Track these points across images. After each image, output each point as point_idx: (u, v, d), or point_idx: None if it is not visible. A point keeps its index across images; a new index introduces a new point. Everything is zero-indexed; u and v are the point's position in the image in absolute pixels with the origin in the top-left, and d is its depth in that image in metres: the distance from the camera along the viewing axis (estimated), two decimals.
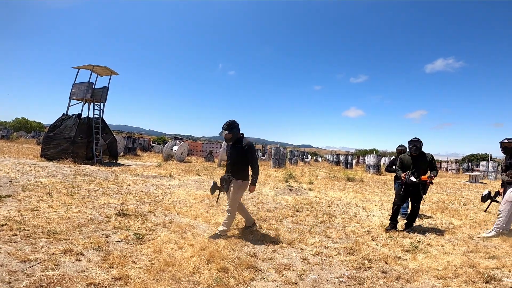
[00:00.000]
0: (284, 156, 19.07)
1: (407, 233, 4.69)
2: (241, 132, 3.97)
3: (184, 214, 4.96)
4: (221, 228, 3.87)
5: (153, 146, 32.76)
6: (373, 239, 4.33)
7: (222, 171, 13.39)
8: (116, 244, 3.28)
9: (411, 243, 4.16)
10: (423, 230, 4.94)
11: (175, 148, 18.64)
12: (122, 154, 19.06)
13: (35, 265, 2.51)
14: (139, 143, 27.48)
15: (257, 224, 4.50)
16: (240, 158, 3.85)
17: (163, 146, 21.76)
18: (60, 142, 12.53)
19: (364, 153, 48.19)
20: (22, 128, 44.27)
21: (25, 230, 3.44)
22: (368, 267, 3.20)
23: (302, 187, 9.69)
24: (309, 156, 40.12)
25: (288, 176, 11.71)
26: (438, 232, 4.90)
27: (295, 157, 27.38)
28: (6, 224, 3.58)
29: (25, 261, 2.57)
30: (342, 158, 27.15)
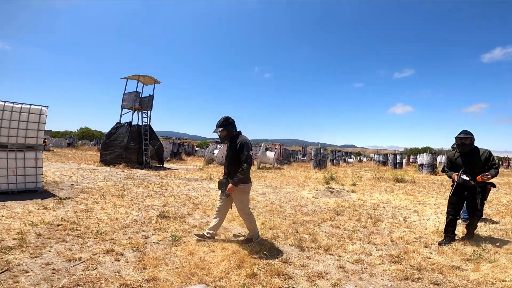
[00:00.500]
0: (325, 157, 18.39)
1: (468, 240, 4.08)
2: (238, 129, 3.65)
3: None
4: (250, 233, 3.74)
5: (196, 150, 34.35)
6: (426, 246, 3.88)
7: (260, 174, 13.38)
8: (153, 246, 3.40)
9: (474, 251, 3.63)
10: (489, 237, 4.29)
11: (216, 151, 19.22)
12: (168, 158, 20.25)
13: (78, 264, 2.71)
14: (183, 148, 29.04)
15: (216, 239, 3.79)
16: (236, 157, 3.49)
17: (206, 150, 22.63)
18: (115, 148, 13.76)
19: (415, 151, 44.35)
20: (86, 136, 50.06)
21: (77, 230, 3.77)
22: (417, 278, 2.84)
23: (344, 189, 9.19)
24: (353, 156, 38.15)
25: (329, 177, 11.22)
26: (509, 239, 4.21)
27: (337, 158, 26.29)
28: (61, 224, 3.96)
29: (70, 260, 2.79)
30: (390, 158, 25.28)
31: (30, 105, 6.04)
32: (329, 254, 3.48)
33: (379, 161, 27.91)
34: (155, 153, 15.56)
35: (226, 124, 3.54)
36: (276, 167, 18.62)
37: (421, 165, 18.26)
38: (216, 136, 3.80)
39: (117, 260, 2.91)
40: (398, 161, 24.10)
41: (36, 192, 6.09)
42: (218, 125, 3.55)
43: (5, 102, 5.73)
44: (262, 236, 4.00)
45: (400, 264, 3.21)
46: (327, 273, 2.91)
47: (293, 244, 3.73)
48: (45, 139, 22.16)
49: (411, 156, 35.14)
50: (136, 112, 14.98)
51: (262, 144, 19.60)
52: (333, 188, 9.15)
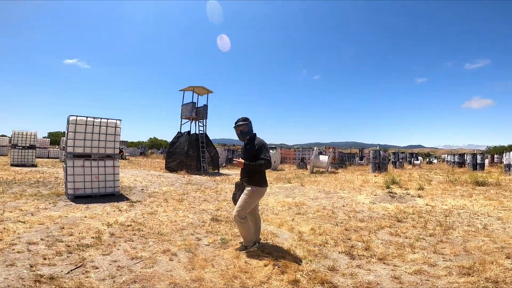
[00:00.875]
0: (386, 159, 16.94)
1: None
2: (254, 132, 3.65)
3: (269, 221, 5.03)
4: (244, 241, 3.55)
5: None
6: (508, 257, 3.32)
7: (313, 178, 13.03)
8: (204, 248, 3.60)
9: None
10: None
11: None
12: (224, 164, 21.23)
13: (139, 262, 3.03)
14: (237, 154, 30.06)
15: (259, 243, 3.68)
16: (252, 160, 3.41)
17: None
18: (177, 156, 15.06)
19: (501, 150, 37.63)
20: (154, 146, 55.93)
21: (142, 231, 4.22)
22: None
23: (408, 194, 8.33)
24: (420, 157, 34.20)
25: (390, 181, 10.30)
26: None
27: (400, 160, 23.95)
28: (131, 225, 4.49)
29: (133, 258, 3.13)
30: (468, 158, 22.01)
31: (108, 119, 7.04)
32: (384, 263, 3.19)
33: (453, 162, 24.57)
34: (211, 159, 16.51)
35: (248, 123, 3.60)
36: (330, 171, 17.89)
37: (508, 166, 15.44)
38: None
39: (171, 260, 3.16)
40: (478, 161, 20.86)
41: (113, 195, 7.02)
42: (241, 120, 3.59)
43: (87, 117, 6.79)
44: (310, 241, 3.89)
45: (472, 276, 2.79)
46: (378, 283, 2.67)
47: (343, 252, 3.54)
48: (122, 148, 25.45)
49: (496, 156, 29.99)
50: (193, 121, 16.17)
51: (315, 148, 19.08)
52: (395, 193, 8.37)
